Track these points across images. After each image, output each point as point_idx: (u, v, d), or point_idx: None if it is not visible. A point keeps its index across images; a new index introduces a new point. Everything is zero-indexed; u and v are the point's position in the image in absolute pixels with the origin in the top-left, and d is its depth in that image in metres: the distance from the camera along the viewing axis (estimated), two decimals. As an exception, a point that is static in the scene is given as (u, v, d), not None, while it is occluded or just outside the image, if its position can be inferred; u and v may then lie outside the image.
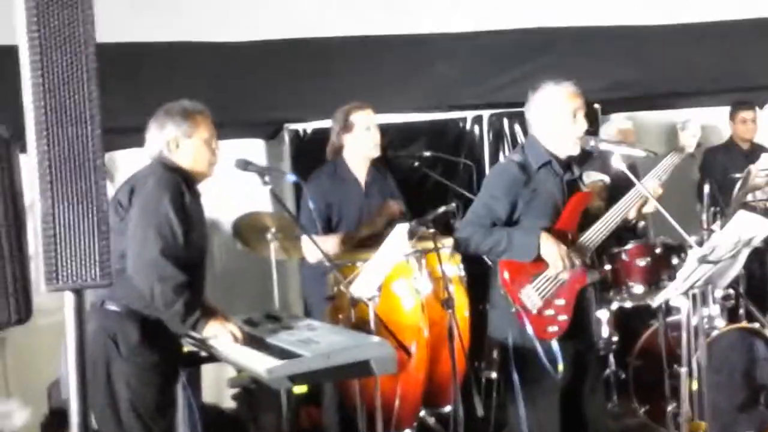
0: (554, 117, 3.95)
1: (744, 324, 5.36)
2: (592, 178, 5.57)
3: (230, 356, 3.60)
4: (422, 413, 4.91)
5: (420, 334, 4.44)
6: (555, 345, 3.86)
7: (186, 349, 3.89)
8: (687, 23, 6.99)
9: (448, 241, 4.39)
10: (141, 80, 5.75)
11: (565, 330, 3.87)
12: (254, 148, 6.30)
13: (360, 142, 4.92)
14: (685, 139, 4.20)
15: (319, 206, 4.66)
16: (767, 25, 7.13)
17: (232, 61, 6.06)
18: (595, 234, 3.94)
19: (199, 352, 3.85)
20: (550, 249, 3.81)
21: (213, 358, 3.79)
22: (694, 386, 4.23)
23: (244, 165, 4.08)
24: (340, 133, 4.94)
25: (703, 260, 3.63)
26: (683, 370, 4.27)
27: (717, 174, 6.56)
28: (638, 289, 5.51)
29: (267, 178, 4.03)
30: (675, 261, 5.38)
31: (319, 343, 3.44)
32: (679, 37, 7.01)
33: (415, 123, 6.53)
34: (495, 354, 4.82)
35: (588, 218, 4.00)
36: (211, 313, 3.72)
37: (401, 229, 3.95)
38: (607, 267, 5.52)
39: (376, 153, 4.98)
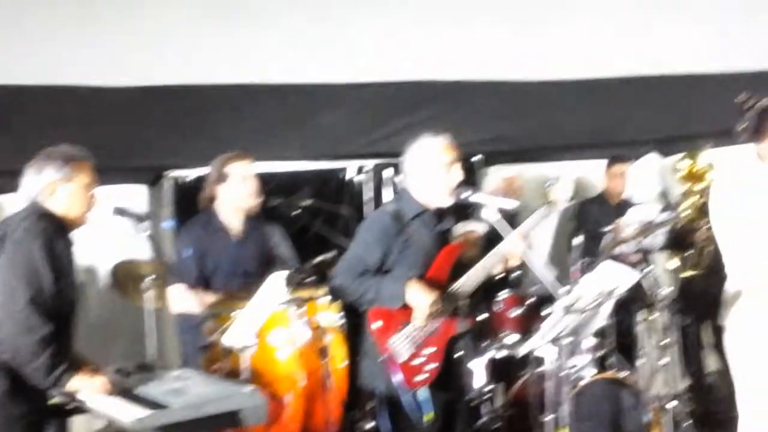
0: (428, 168, 4.06)
1: (611, 374, 5.52)
2: (466, 227, 5.68)
3: (97, 407, 3.55)
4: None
5: (295, 385, 4.44)
6: (424, 393, 3.92)
7: (53, 400, 3.81)
8: (564, 80, 7.24)
9: (325, 290, 4.42)
10: (23, 124, 5.69)
11: (434, 378, 3.94)
12: (136, 194, 6.24)
13: (234, 193, 4.87)
14: (554, 195, 4.34)
15: (193, 255, 4.63)
16: (640, 82, 7.43)
17: (115, 106, 6.03)
18: (466, 283, 4.04)
19: (67, 403, 3.78)
20: (417, 297, 3.89)
21: (81, 409, 3.72)
22: (564, 434, 4.32)
23: (121, 211, 4.06)
24: (213, 183, 4.90)
25: (569, 310, 3.75)
26: (549, 418, 4.38)
27: (590, 226, 6.76)
28: (511, 338, 5.62)
29: (143, 225, 4.01)
30: (547, 311, 5.51)
31: (188, 393, 3.43)
32: (557, 93, 7.25)
33: (299, 172, 6.59)
34: (368, 404, 4.85)
35: (461, 268, 4.09)
36: (79, 365, 3.66)
37: (277, 277, 3.97)
38: (482, 316, 5.62)
39: (251, 203, 4.95)
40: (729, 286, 4.06)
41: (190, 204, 5.69)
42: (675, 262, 6.93)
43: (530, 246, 4.13)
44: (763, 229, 3.84)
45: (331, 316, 4.61)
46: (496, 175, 6.98)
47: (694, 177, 6.84)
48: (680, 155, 7.32)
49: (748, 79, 7.00)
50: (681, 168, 7.16)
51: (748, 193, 3.92)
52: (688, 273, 6.82)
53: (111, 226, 4.64)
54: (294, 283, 4.24)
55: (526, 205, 4.94)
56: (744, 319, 3.98)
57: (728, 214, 3.97)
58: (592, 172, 7.53)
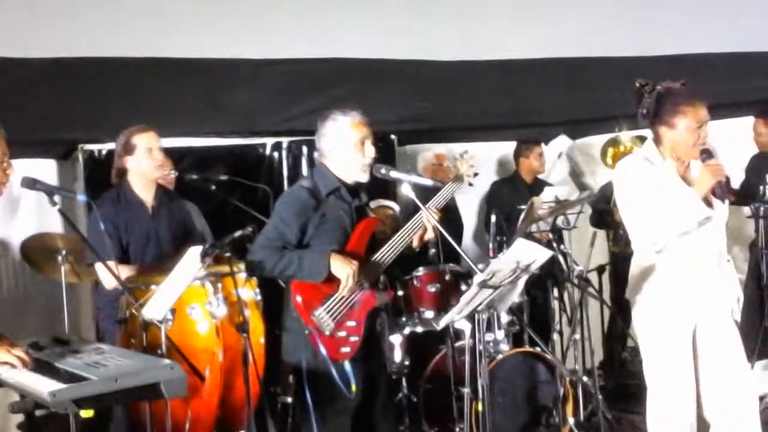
0: (341, 145, 4.07)
1: (527, 348, 5.62)
2: (381, 204, 5.73)
3: (12, 381, 3.46)
4: (215, 438, 4.87)
5: (214, 359, 4.40)
6: (348, 366, 3.94)
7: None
8: (478, 60, 7.30)
9: (243, 266, 4.40)
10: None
11: (357, 351, 3.97)
12: (46, 168, 6.11)
13: (142, 165, 4.83)
14: (462, 169, 4.39)
15: (107, 229, 4.55)
16: (552, 64, 7.54)
17: (24, 79, 5.88)
18: (383, 255, 4.07)
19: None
20: (341, 267, 3.91)
21: (-4, 383, 3.63)
22: (480, 408, 4.37)
23: (32, 183, 3.94)
24: (122, 156, 4.85)
25: (484, 285, 3.80)
26: (466, 391, 4.45)
27: (504, 205, 6.85)
28: (429, 314, 5.69)
29: (56, 198, 3.92)
30: (464, 287, 5.59)
31: (107, 366, 3.36)
32: (472, 73, 7.32)
33: (215, 148, 6.54)
34: (290, 378, 4.85)
35: (374, 243, 4.11)
36: (-7, 339, 3.57)
37: (194, 251, 3.93)
38: (399, 293, 5.68)
39: (158, 175, 4.93)
40: (636, 263, 4.17)
41: (102, 178, 5.61)
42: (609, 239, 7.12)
43: (442, 219, 4.15)
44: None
45: (249, 291, 4.60)
46: (428, 152, 7.01)
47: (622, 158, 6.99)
48: (595, 139, 7.50)
49: (656, 63, 7.16)
50: (608, 152, 7.32)
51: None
52: (621, 249, 6.99)
53: (23, 199, 4.55)
54: (210, 258, 4.20)
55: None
56: (647, 297, 4.11)
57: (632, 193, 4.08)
58: (506, 154, 7.64)
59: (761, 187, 6.22)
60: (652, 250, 4.02)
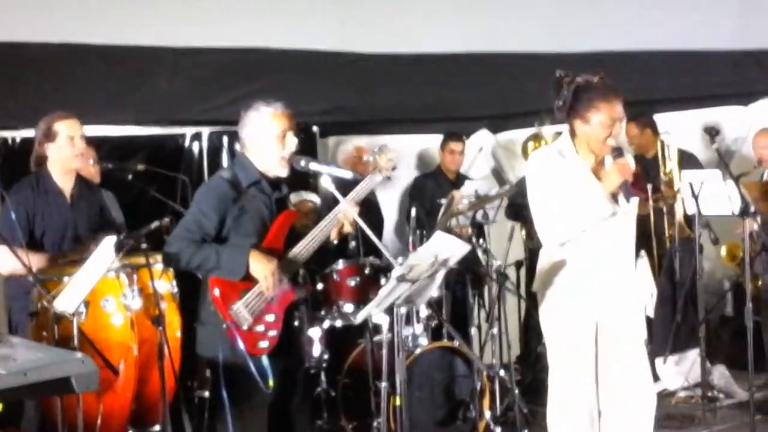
0: (262, 136, 4.02)
1: (445, 342, 5.65)
2: (302, 197, 5.70)
3: None
4: (129, 433, 4.80)
5: (129, 353, 4.34)
6: (265, 360, 3.90)
7: None
8: (402, 53, 7.32)
9: (160, 257, 4.33)
10: None
11: (275, 345, 3.93)
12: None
13: (62, 153, 4.71)
14: (381, 163, 4.39)
15: (19, 217, 4.44)
16: (475, 59, 7.59)
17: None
18: (302, 249, 4.03)
19: None
20: (260, 266, 3.86)
21: None
22: (398, 402, 4.38)
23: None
24: (42, 143, 4.74)
25: (402, 279, 3.81)
26: (383, 385, 4.45)
27: (426, 199, 6.89)
28: (348, 308, 5.68)
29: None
30: (383, 281, 5.59)
31: (16, 360, 3.28)
32: (395, 66, 7.33)
33: (134, 136, 6.43)
34: (207, 372, 4.80)
35: (294, 236, 4.08)
36: None
37: (108, 242, 3.86)
38: (319, 286, 5.66)
39: (79, 164, 4.83)
40: (544, 257, 4.22)
41: (17, 166, 5.47)
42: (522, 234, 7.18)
43: (362, 213, 4.13)
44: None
45: (166, 284, 4.54)
46: (348, 144, 6.99)
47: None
48: (517, 134, 7.57)
49: (577, 59, 7.26)
50: (528, 147, 7.39)
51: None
52: (531, 245, 7.06)
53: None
54: (125, 249, 4.12)
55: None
56: (554, 292, 4.17)
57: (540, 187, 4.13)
58: (429, 148, 7.67)
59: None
60: (555, 243, 4.08)
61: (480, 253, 5.97)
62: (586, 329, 4.08)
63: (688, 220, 6.77)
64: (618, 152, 3.97)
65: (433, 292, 4.64)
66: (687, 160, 6.85)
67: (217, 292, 3.86)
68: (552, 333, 4.20)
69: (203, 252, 3.87)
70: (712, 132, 6.62)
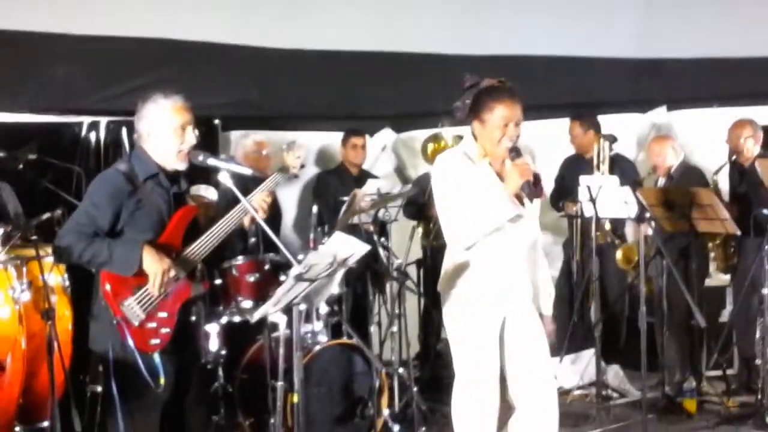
0: (160, 129, 3.93)
1: (344, 339, 5.63)
2: (198, 192, 5.61)
3: None
4: (17, 429, 4.67)
5: (16, 346, 4.23)
6: (157, 358, 3.82)
7: None
8: (307, 49, 7.28)
9: (51, 250, 4.21)
10: None
11: (167, 343, 3.85)
12: None
13: None
14: (289, 160, 4.34)
15: None
16: (381, 57, 7.60)
17: None
18: (200, 247, 3.96)
19: None
20: (152, 263, 3.78)
21: None
22: (295, 400, 4.34)
23: None
24: None
25: (300, 278, 3.77)
26: (279, 384, 4.42)
27: (330, 196, 6.87)
28: (247, 304, 5.62)
29: None
30: (283, 277, 5.54)
31: None
32: (299, 62, 7.29)
33: (27, 124, 6.24)
34: (99, 367, 4.70)
35: (194, 232, 4.01)
36: None
37: (-3, 234, 3.74)
38: (218, 281, 5.58)
39: None
40: (448, 257, 4.24)
41: None
42: (419, 233, 7.20)
43: (265, 211, 4.08)
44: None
45: (57, 277, 4.42)
46: (240, 139, 6.90)
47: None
48: (420, 133, 7.60)
49: (479, 62, 7.33)
50: (429, 147, 7.42)
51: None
52: (432, 243, 7.10)
53: None
54: (12, 241, 4.01)
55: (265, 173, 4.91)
56: (458, 293, 4.18)
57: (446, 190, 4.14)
58: (332, 145, 7.64)
59: (577, 188, 6.45)
60: (462, 246, 4.09)
61: (381, 251, 5.97)
62: (491, 329, 4.11)
63: (613, 224, 6.94)
64: (515, 153, 3.99)
65: (333, 290, 4.62)
66: (618, 165, 6.98)
67: (108, 287, 3.76)
68: (456, 333, 4.20)
69: (95, 246, 3.77)
70: (610, 139, 6.78)
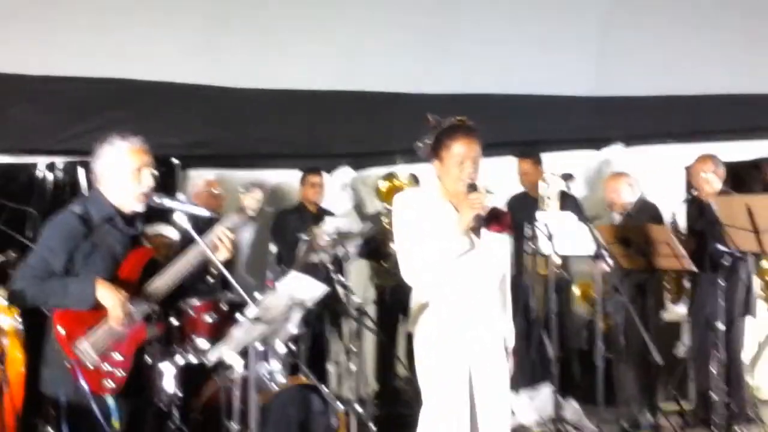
0: (117, 171, 3.93)
1: (301, 379, 5.60)
2: (157, 231, 5.58)
3: None
4: (-31, 475, 4.58)
5: (-33, 390, 4.16)
6: (110, 400, 3.78)
7: None
8: (264, 89, 7.30)
9: (4, 293, 4.17)
10: None
11: (121, 385, 3.82)
12: None
13: None
14: (246, 202, 4.33)
15: None
16: (340, 96, 7.63)
17: None
18: (156, 288, 3.94)
19: None
20: (109, 295, 3.75)
21: None
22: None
23: None
24: None
25: (256, 320, 3.76)
26: (235, 427, 4.38)
27: (288, 235, 6.85)
28: (203, 344, 5.57)
29: None
30: (240, 318, 5.50)
31: None
32: (257, 101, 7.30)
33: (-17, 166, 6.21)
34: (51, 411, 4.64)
35: (152, 273, 3.99)
36: None
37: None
38: (174, 322, 5.53)
39: None
40: (414, 296, 4.24)
41: None
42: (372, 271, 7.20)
43: (221, 253, 4.06)
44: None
45: (9, 319, 4.37)
46: (199, 178, 6.88)
47: (395, 193, 7.12)
48: (374, 171, 7.62)
49: (440, 101, 7.38)
50: (381, 186, 7.44)
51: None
52: (385, 282, 7.10)
53: None
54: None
55: (224, 212, 4.90)
56: (424, 331, 4.17)
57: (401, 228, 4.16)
58: (291, 183, 7.64)
59: (527, 226, 6.49)
60: (415, 282, 4.11)
61: (339, 289, 5.96)
62: (457, 367, 4.09)
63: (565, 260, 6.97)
64: (471, 188, 4.03)
65: (290, 330, 4.61)
66: (567, 202, 7.03)
67: (61, 329, 3.73)
68: (424, 373, 4.18)
69: (49, 285, 3.74)
70: (567, 177, 6.83)
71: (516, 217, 6.95)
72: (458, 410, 4.09)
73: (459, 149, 4.06)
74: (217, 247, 4.02)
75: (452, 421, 4.08)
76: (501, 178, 7.50)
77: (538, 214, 6.49)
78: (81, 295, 3.75)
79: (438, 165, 4.14)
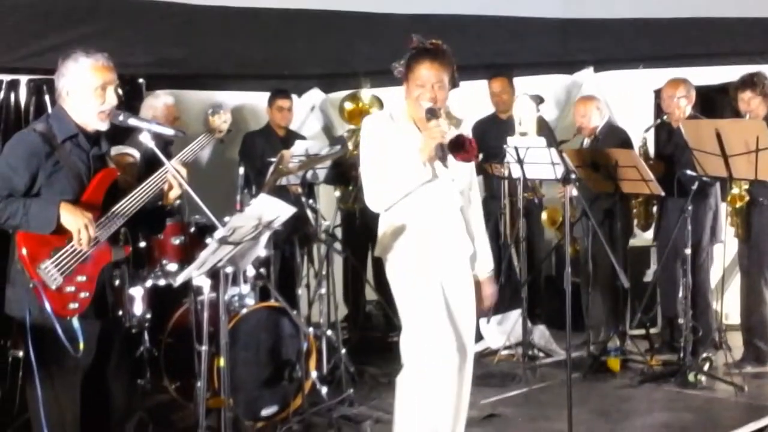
0: (80, 89, 3.82)
1: (271, 302, 5.59)
2: (121, 151, 5.49)
3: None
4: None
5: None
6: (76, 322, 3.73)
7: None
8: (231, 6, 7.16)
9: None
10: None
11: (86, 307, 3.77)
12: None
13: None
14: (215, 124, 4.26)
15: None
16: (309, 16, 7.49)
17: None
18: (122, 209, 3.86)
19: None
20: (72, 219, 3.66)
21: None
22: (222, 363, 4.29)
23: None
24: None
25: (224, 241, 3.72)
26: (203, 348, 4.37)
27: (255, 158, 6.78)
28: (172, 267, 5.55)
29: None
30: (209, 240, 5.46)
31: None
32: (226, 20, 7.16)
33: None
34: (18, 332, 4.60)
35: (115, 195, 3.91)
36: None
37: None
38: (142, 244, 5.48)
39: None
40: (381, 222, 4.21)
41: None
42: (338, 195, 7.15)
43: (190, 173, 4.00)
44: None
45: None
46: (159, 100, 6.74)
47: (359, 115, 7.05)
48: (344, 93, 7.52)
49: (408, 21, 7.28)
50: (347, 107, 7.36)
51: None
52: (351, 207, 7.06)
53: None
54: None
55: (188, 132, 4.79)
56: (395, 255, 4.15)
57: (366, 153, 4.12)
58: (258, 104, 7.53)
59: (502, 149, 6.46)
60: (378, 208, 4.11)
61: (309, 212, 5.93)
62: (434, 288, 4.09)
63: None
64: (431, 114, 3.97)
65: (259, 252, 4.57)
66: (542, 125, 6.96)
67: (24, 250, 3.65)
68: (402, 296, 4.16)
69: (11, 206, 3.65)
70: (536, 100, 6.77)
71: (484, 140, 6.99)
72: (439, 327, 4.09)
73: (421, 71, 4.03)
74: (171, 185, 3.93)
75: (437, 340, 4.08)
76: (470, 102, 7.45)
77: (509, 139, 6.46)
78: (43, 218, 3.66)
79: (405, 87, 4.11)
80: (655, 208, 6.95)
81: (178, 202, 5.45)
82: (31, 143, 3.76)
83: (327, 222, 6.03)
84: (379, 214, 4.21)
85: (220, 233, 3.71)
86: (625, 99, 7.91)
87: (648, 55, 8.09)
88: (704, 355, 6.26)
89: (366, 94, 7.26)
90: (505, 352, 6.79)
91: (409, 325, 4.15)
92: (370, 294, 7.36)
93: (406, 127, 4.09)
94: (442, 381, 4.13)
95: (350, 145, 6.89)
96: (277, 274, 6.44)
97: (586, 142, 6.90)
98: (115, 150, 5.10)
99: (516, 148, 6.27)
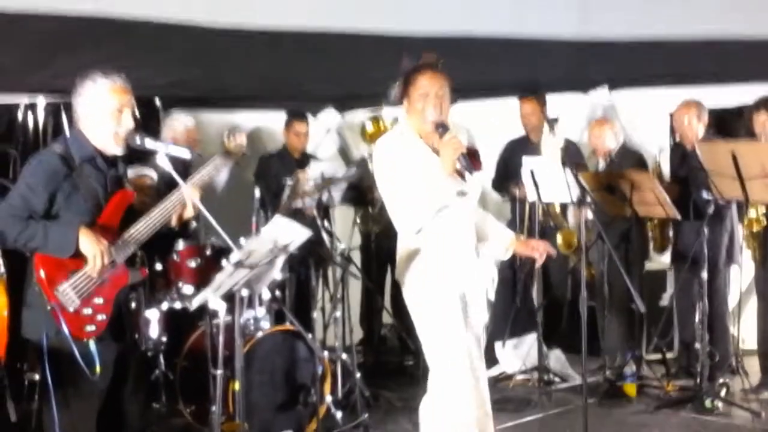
0: (98, 111, 3.84)
1: (286, 326, 5.58)
2: (139, 173, 5.52)
3: None
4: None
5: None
6: (93, 345, 3.74)
7: None
8: (248, 29, 7.16)
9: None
10: None
11: (103, 330, 3.77)
12: None
13: None
14: (230, 146, 4.27)
15: None
16: (325, 37, 7.50)
17: None
18: (138, 231, 3.87)
19: None
20: (89, 245, 3.69)
21: None
22: (237, 387, 4.29)
23: None
24: None
25: (240, 265, 3.71)
26: (219, 372, 4.36)
27: (270, 180, 6.79)
28: (188, 289, 5.56)
29: None
30: (225, 263, 5.47)
31: None
32: (240, 41, 7.16)
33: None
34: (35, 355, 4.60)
35: (132, 216, 3.92)
36: None
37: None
38: (158, 267, 5.50)
39: None
40: (401, 245, 4.18)
41: None
42: (357, 218, 7.15)
43: (206, 196, 4.00)
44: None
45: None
46: (178, 122, 6.76)
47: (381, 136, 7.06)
48: (364, 114, 7.53)
49: (424, 42, 7.26)
50: (368, 129, 7.36)
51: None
52: (370, 229, 7.05)
53: None
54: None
55: (204, 154, 4.80)
56: (415, 277, 4.12)
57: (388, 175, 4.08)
58: (274, 125, 7.54)
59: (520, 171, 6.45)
60: (410, 232, 4.03)
61: (324, 235, 5.93)
62: (454, 310, 4.03)
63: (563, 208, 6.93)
64: (443, 128, 3.95)
65: (275, 275, 4.56)
66: (568, 150, 6.92)
67: (42, 272, 3.67)
68: (422, 319, 4.10)
69: (30, 229, 3.67)
70: (551, 121, 6.76)
71: (512, 160, 6.96)
72: (460, 348, 4.01)
73: (422, 81, 4.02)
74: (185, 205, 3.94)
75: (460, 366, 4.01)
76: (486, 121, 7.45)
77: (525, 160, 6.44)
78: (62, 242, 3.68)
79: (407, 104, 4.09)
80: (671, 231, 6.91)
81: (194, 224, 5.51)
82: (50, 164, 3.78)
83: (342, 245, 6.02)
84: (397, 237, 4.18)
85: (236, 256, 3.71)
86: (641, 119, 7.88)
87: (664, 75, 8.06)
88: (721, 380, 6.22)
89: (387, 115, 7.25)
90: (520, 377, 6.74)
91: (431, 348, 4.10)
92: (386, 317, 7.35)
93: (417, 145, 4.07)
94: (464, 402, 4.07)
95: (371, 167, 6.88)
96: (292, 297, 6.44)
97: (601, 164, 6.88)
98: (133, 171, 5.13)
99: (532, 171, 6.26)
